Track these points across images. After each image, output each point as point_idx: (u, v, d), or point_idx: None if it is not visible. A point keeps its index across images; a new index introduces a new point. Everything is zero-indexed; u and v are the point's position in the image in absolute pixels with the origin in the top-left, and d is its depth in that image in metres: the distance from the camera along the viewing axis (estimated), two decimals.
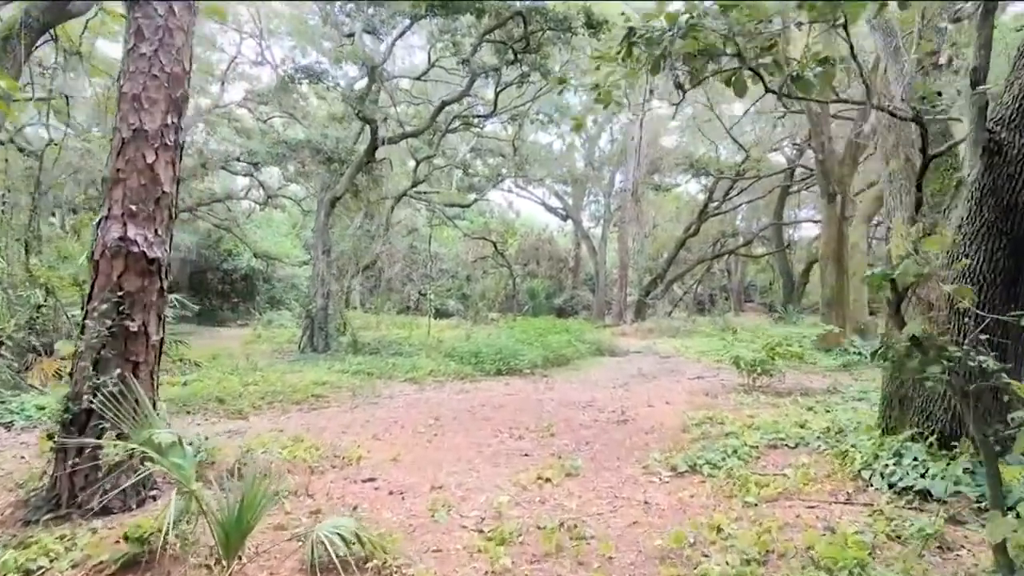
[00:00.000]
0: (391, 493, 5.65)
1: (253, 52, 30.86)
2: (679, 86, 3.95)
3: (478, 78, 18.60)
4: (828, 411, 8.76)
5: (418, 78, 21.94)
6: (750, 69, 3.52)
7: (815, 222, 33.29)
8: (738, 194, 30.13)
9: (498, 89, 19.86)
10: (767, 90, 3.96)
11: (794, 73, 3.45)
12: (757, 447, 6.62)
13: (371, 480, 5.98)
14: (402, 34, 16.88)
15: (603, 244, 36.61)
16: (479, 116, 21.34)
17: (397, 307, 40.34)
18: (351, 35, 16.33)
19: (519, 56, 17.39)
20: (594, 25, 16.33)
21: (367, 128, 17.58)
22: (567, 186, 37.28)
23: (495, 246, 34.87)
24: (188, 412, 9.42)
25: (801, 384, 11.55)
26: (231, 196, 31.06)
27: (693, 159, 22.47)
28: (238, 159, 23.51)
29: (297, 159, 18.26)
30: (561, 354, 15.62)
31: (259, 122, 26.12)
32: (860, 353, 14.66)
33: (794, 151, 26.69)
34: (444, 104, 17.63)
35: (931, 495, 4.60)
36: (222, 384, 11.14)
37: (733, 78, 3.55)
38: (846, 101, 5.57)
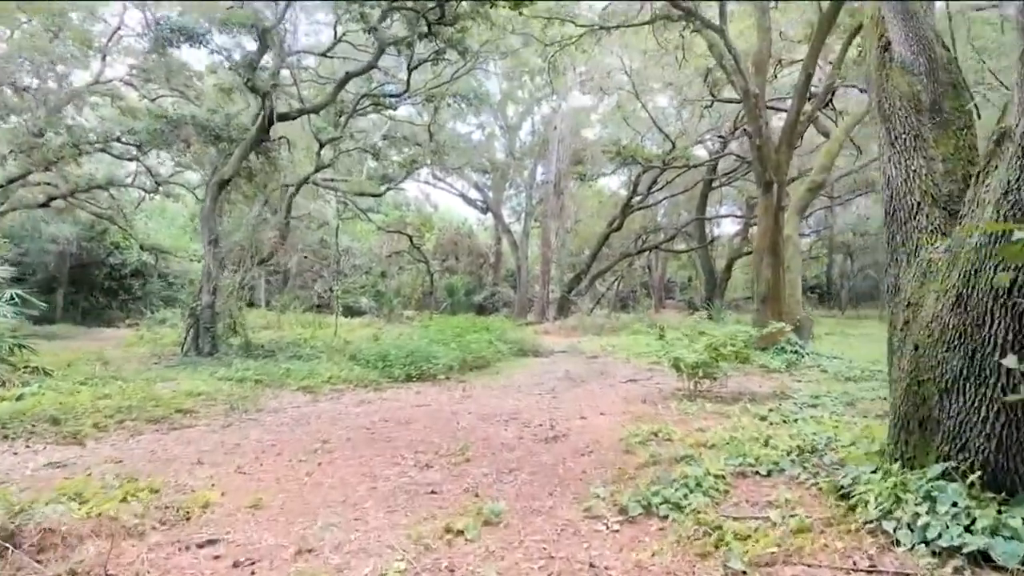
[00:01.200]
0: (236, 565, 3.99)
1: (139, 23, 28.01)
2: None
3: (387, 49, 16.87)
4: (786, 421, 7.61)
5: (323, 54, 20.01)
6: None
7: (738, 217, 33.13)
8: (661, 188, 29.43)
9: (411, 66, 18.21)
10: None
11: None
12: (723, 476, 5.27)
13: (211, 543, 4.28)
14: None
15: (525, 239, 35.35)
16: (390, 95, 19.58)
17: (306, 305, 38.32)
18: None
19: (432, 28, 15.78)
20: None
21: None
22: (487, 177, 35.87)
23: (411, 240, 33.14)
24: (7, 437, 7.40)
25: (745, 388, 10.44)
26: (112, 183, 28.02)
27: (620, 146, 21.33)
28: (118, 139, 20.88)
29: (181, 137, 16.01)
30: (480, 356, 14.12)
31: (147, 101, 23.49)
32: (798, 351, 13.83)
33: (718, 143, 26.03)
34: (348, 76, 15.82)
35: (988, 559, 3.31)
36: (67, 398, 9.09)
37: None
38: None
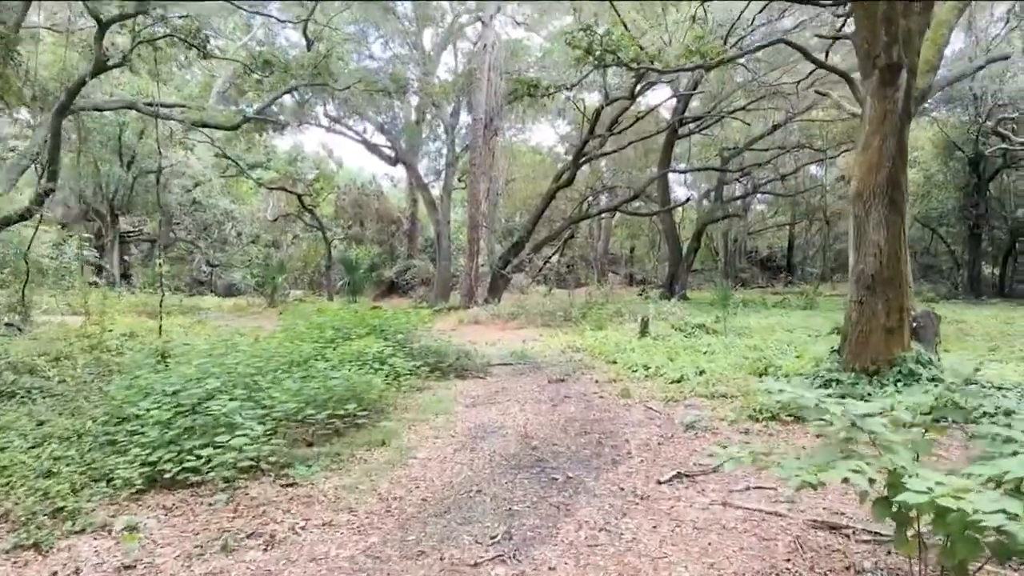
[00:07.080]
0: None
1: None
2: None
3: None
4: None
5: None
6: None
7: (716, 170, 27.02)
8: (626, 128, 22.92)
9: None
10: None
11: None
12: None
13: None
14: None
15: (446, 198, 28.07)
16: None
17: (180, 283, 30.77)
18: None
19: None
20: None
21: None
22: (397, 118, 28.42)
23: (300, 200, 25.64)
24: None
25: None
26: None
27: (596, 35, 14.10)
28: None
29: None
30: (352, 397, 6.97)
31: None
32: (936, 378, 7.44)
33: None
34: None
35: None
36: None
37: None
38: None
